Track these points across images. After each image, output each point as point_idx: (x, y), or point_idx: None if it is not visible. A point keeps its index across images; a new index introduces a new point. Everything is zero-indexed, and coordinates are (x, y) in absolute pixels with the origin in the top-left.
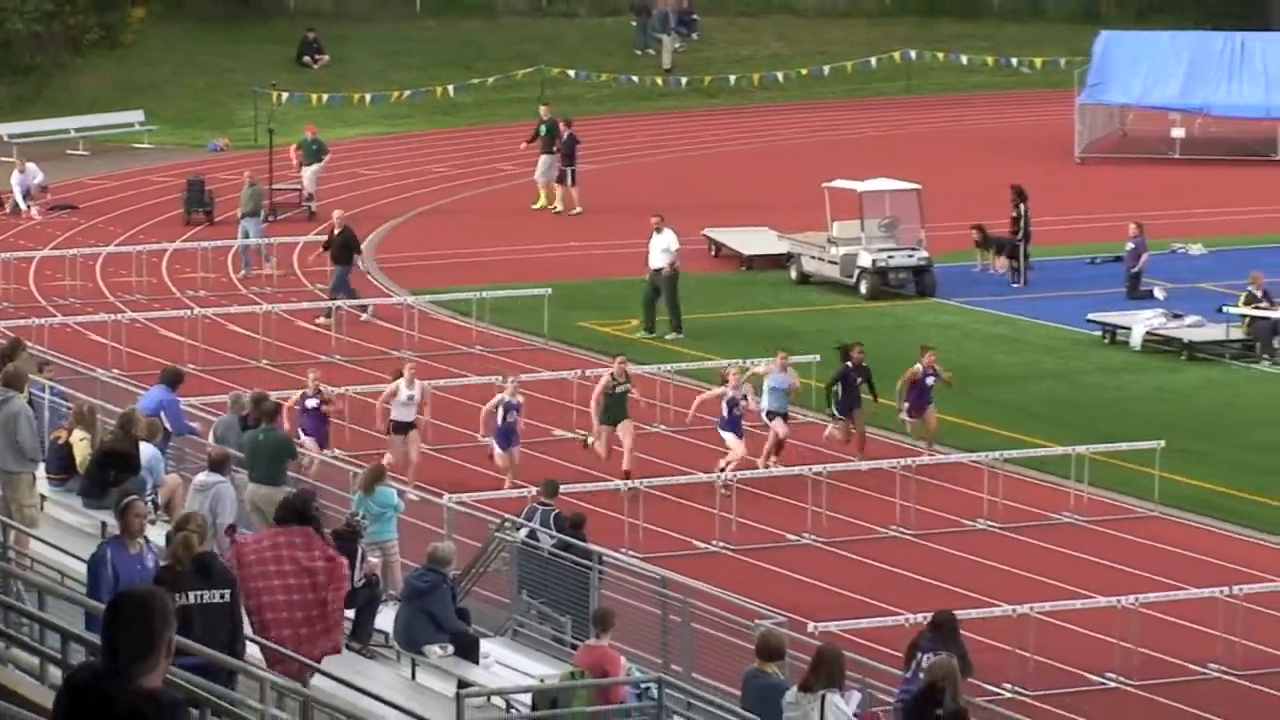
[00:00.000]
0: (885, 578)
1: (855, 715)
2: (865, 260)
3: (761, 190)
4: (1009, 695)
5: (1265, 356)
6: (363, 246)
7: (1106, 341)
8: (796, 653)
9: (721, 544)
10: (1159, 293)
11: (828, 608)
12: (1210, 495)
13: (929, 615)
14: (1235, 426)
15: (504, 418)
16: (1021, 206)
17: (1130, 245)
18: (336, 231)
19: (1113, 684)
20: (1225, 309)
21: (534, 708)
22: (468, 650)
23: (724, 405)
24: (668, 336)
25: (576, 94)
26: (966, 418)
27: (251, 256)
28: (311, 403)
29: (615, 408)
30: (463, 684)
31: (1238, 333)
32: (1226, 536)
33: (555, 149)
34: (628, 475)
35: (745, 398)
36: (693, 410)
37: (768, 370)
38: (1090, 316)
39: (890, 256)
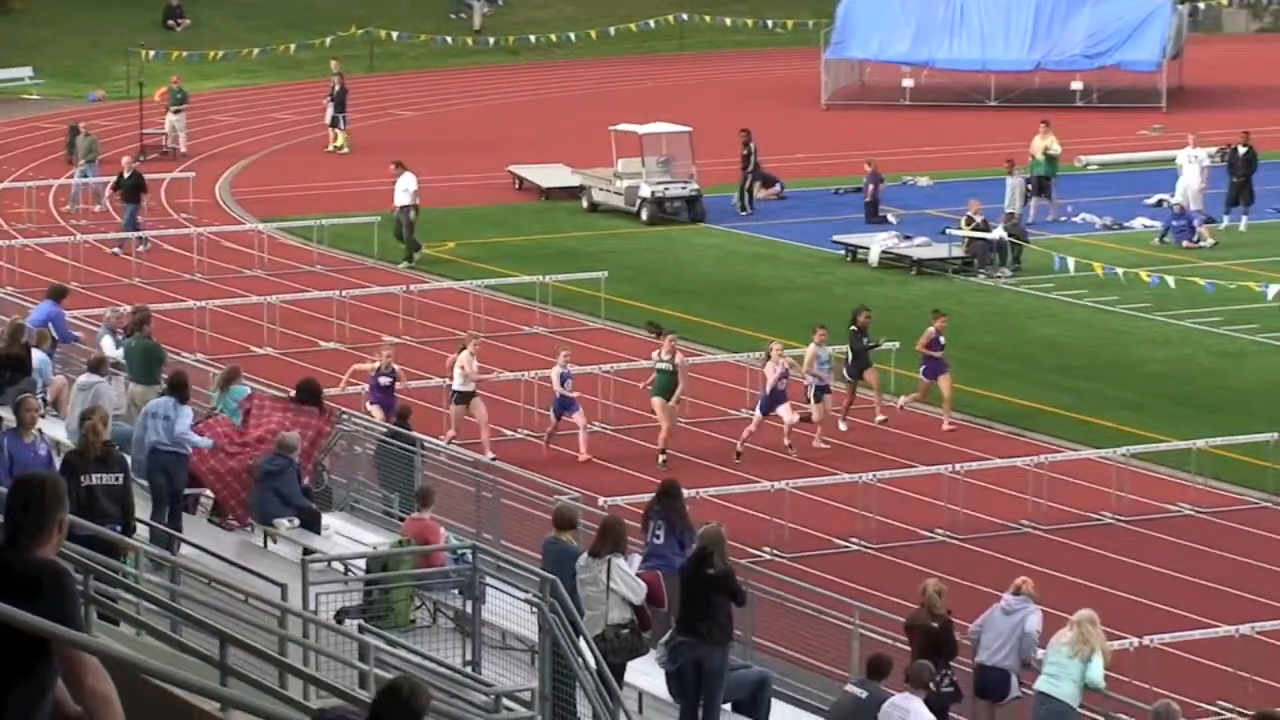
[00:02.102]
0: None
1: (637, 574)
2: (645, 191)
3: (558, 133)
4: (768, 557)
5: (982, 272)
6: (218, 183)
7: (849, 259)
8: (589, 524)
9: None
10: (892, 218)
11: (614, 487)
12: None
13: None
14: (957, 331)
15: (561, 385)
16: (750, 146)
17: (867, 179)
18: (127, 175)
19: (855, 547)
20: (948, 231)
21: (367, 570)
22: (311, 523)
23: (769, 382)
24: (399, 265)
25: (400, 52)
26: (730, 324)
27: (83, 195)
28: (384, 380)
29: (665, 383)
30: (307, 551)
31: (959, 252)
32: (960, 424)
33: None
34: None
35: (788, 372)
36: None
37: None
38: (835, 238)
39: (666, 188)
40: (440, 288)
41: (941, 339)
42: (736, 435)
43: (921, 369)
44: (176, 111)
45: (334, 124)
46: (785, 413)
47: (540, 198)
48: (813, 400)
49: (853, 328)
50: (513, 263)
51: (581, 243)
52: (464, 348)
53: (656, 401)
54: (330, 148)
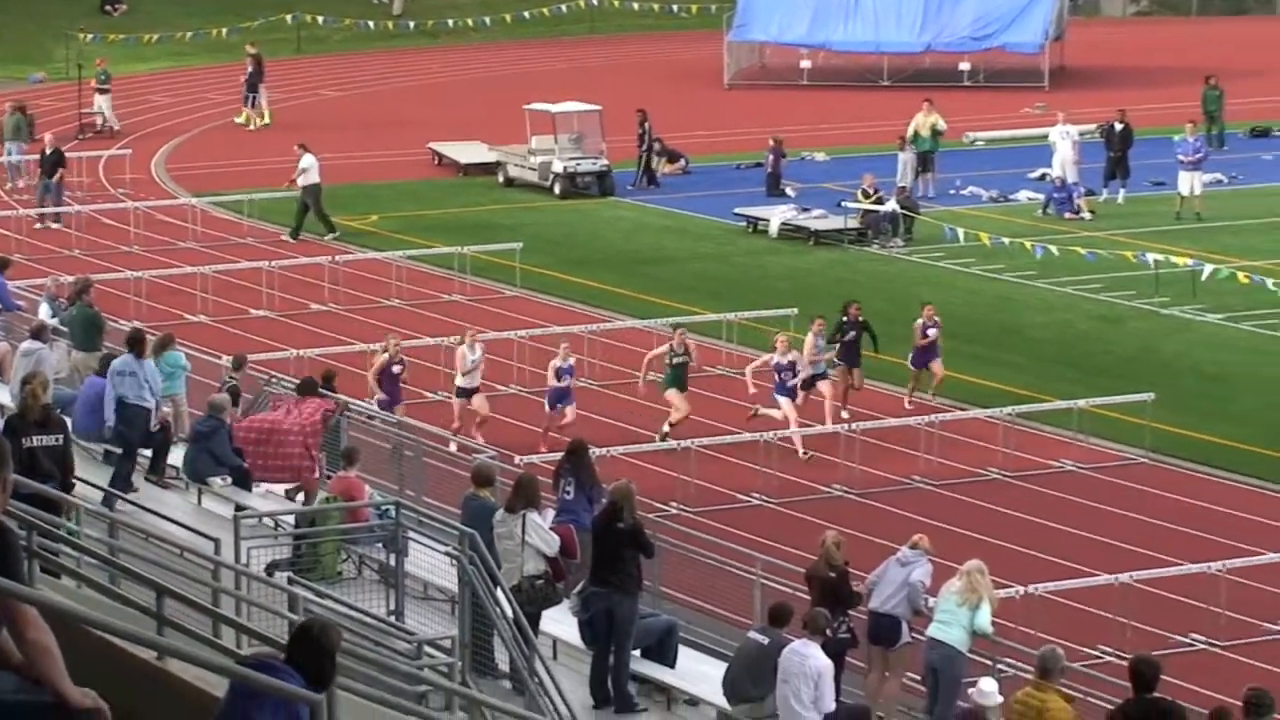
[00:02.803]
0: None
1: (550, 528)
2: (558, 167)
3: (475, 112)
4: (675, 511)
5: (875, 242)
6: (154, 159)
7: (750, 231)
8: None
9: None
10: (791, 191)
11: (531, 445)
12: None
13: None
14: (852, 298)
15: (558, 379)
16: (645, 125)
17: (769, 152)
18: (49, 151)
19: (757, 502)
20: (844, 204)
21: (296, 526)
22: (243, 480)
23: (775, 372)
24: (326, 238)
25: (325, 35)
26: (638, 292)
27: (14, 172)
28: (396, 369)
29: (675, 378)
30: (239, 508)
31: (854, 223)
32: (867, 388)
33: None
34: (665, 437)
35: (794, 364)
36: (749, 379)
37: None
38: (737, 210)
39: (578, 164)
40: (364, 258)
41: (930, 330)
42: (656, 397)
43: (910, 358)
44: (102, 92)
45: (247, 101)
46: (786, 405)
47: (458, 173)
48: (799, 387)
49: (843, 319)
50: (432, 234)
51: (497, 215)
52: (461, 341)
53: (672, 393)
54: (246, 123)
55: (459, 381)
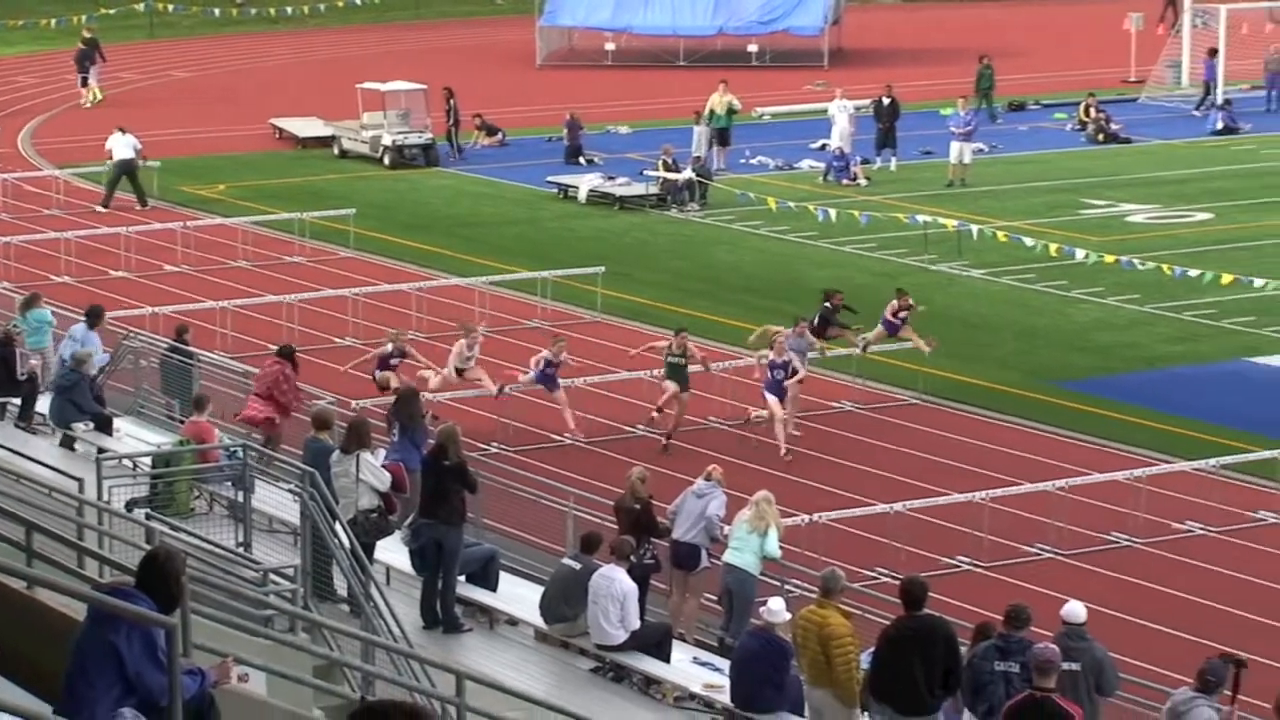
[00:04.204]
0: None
1: (382, 466)
2: (387, 140)
3: (312, 90)
4: (496, 450)
5: (674, 206)
6: (19, 135)
7: (561, 197)
8: (340, 424)
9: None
10: (586, 160)
11: (365, 392)
12: (637, 305)
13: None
14: (653, 257)
15: (543, 369)
16: (451, 102)
17: (565, 125)
18: None
19: (569, 441)
20: (645, 173)
21: (153, 466)
22: (104, 426)
23: (768, 369)
24: (136, 208)
25: (175, 21)
26: (459, 252)
27: None
28: (394, 362)
29: (671, 372)
30: (101, 450)
31: (654, 190)
32: (660, 337)
33: (95, 60)
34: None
35: (788, 363)
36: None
37: (786, 336)
38: (549, 179)
39: (405, 137)
40: (212, 223)
41: (902, 315)
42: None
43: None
44: None
45: (83, 82)
46: (774, 404)
47: (297, 146)
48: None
49: (826, 305)
50: (274, 202)
51: (333, 185)
52: (466, 334)
53: (667, 383)
54: (85, 102)
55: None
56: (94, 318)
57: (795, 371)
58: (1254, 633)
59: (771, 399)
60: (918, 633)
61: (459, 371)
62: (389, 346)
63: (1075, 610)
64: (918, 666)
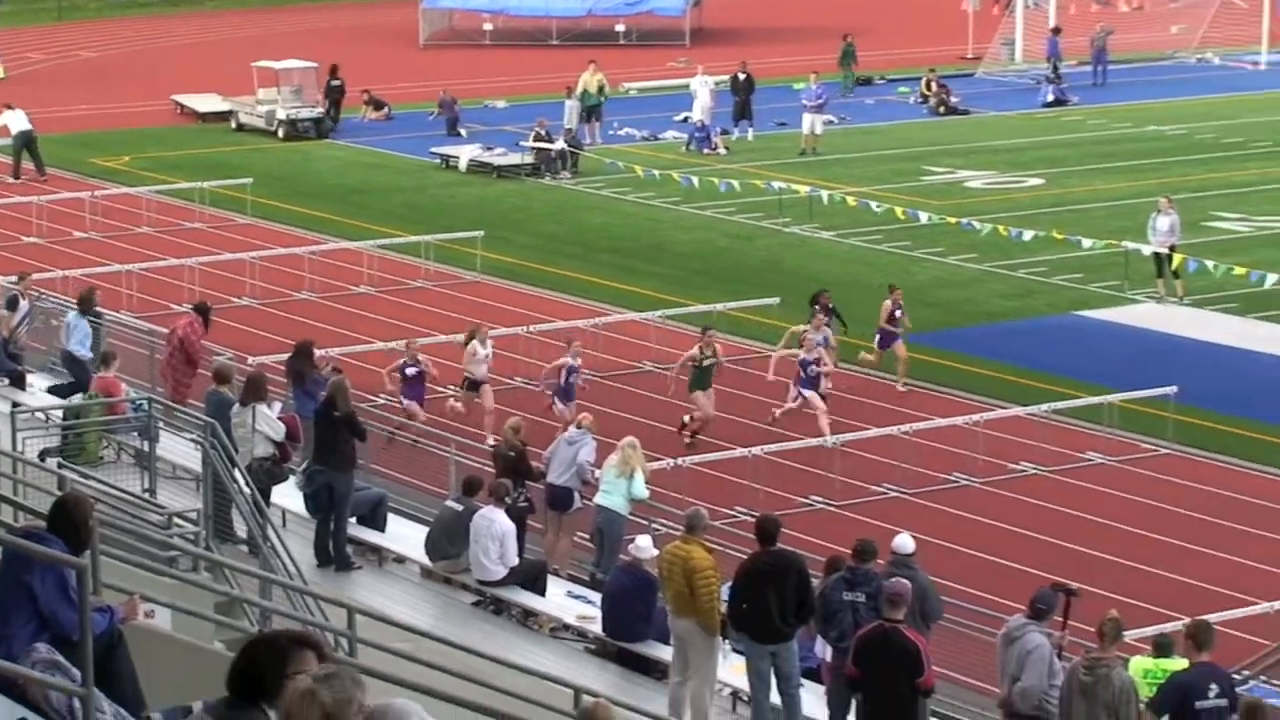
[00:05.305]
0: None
1: (278, 417)
2: (281, 114)
3: (211, 68)
4: (383, 401)
5: (547, 174)
6: None
7: (443, 167)
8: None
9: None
10: (464, 132)
11: (262, 347)
12: (514, 266)
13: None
14: (528, 222)
15: (566, 378)
16: (338, 78)
17: (438, 102)
18: None
19: (451, 392)
20: (521, 144)
21: (64, 419)
22: (18, 382)
23: (799, 368)
24: (40, 176)
25: (83, 5)
26: (349, 218)
27: None
28: (411, 371)
29: (702, 378)
30: (15, 404)
31: (530, 159)
32: (535, 296)
33: None
34: (683, 429)
35: (819, 359)
36: (770, 373)
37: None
38: (432, 150)
39: (298, 111)
40: (118, 193)
41: (899, 311)
42: (362, 306)
43: (876, 339)
44: None
45: None
46: (815, 400)
47: (197, 121)
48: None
49: (815, 306)
50: (176, 172)
51: (230, 156)
52: (472, 336)
53: (697, 395)
54: None
55: (469, 374)
56: (85, 303)
57: (824, 364)
58: (1085, 565)
59: (810, 394)
60: (773, 566)
61: (475, 385)
62: (402, 361)
63: (904, 542)
64: (772, 597)
